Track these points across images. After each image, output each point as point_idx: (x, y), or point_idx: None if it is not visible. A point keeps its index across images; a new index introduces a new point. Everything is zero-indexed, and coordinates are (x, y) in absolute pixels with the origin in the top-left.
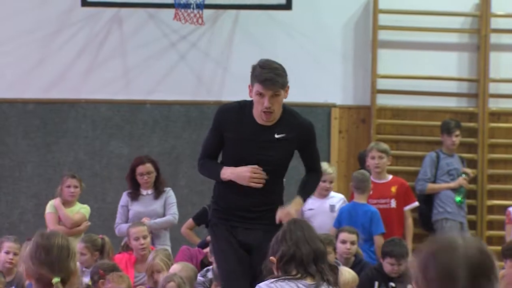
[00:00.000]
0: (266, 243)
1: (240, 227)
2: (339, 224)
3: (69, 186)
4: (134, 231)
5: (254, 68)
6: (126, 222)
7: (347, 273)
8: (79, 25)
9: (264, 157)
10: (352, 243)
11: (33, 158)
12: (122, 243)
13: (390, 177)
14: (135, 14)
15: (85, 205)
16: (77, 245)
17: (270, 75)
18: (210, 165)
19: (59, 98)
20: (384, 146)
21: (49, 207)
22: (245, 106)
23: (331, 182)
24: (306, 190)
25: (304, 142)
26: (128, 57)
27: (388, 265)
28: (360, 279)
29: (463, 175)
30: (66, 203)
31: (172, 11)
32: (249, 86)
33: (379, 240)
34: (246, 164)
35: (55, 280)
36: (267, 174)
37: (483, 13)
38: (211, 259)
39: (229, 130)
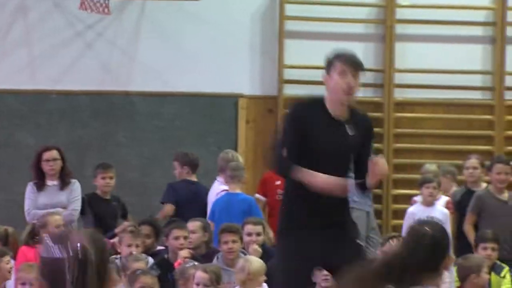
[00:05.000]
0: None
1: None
2: (213, 216)
3: None
4: (50, 218)
5: (331, 56)
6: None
7: (255, 262)
8: None
9: (344, 149)
10: (258, 234)
11: None
12: (24, 236)
13: None
14: (41, 3)
15: None
16: None
17: (354, 57)
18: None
19: None
20: None
21: None
22: (318, 101)
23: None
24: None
25: (367, 138)
26: (34, 46)
27: None
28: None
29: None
30: None
31: (78, 0)
32: (326, 77)
33: None
34: (331, 160)
35: None
36: (345, 173)
37: (388, 3)
38: (120, 249)
39: (312, 127)
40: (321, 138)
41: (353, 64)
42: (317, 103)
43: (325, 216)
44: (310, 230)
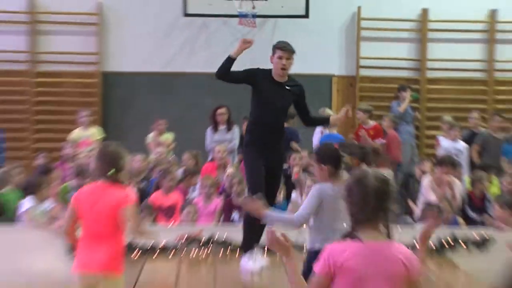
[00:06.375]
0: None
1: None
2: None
3: (161, 124)
4: (218, 147)
5: (274, 45)
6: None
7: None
8: (183, 26)
9: (281, 101)
10: None
11: (156, 112)
12: (209, 159)
13: (372, 123)
14: (216, 22)
15: (170, 133)
16: (184, 155)
17: (288, 45)
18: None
19: (171, 71)
20: (365, 106)
21: (150, 138)
22: (268, 71)
23: None
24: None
25: (301, 96)
26: (210, 51)
27: None
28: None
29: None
30: (159, 134)
31: (237, 19)
32: (270, 57)
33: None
34: (271, 108)
35: (111, 172)
36: (282, 115)
37: None
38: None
39: (260, 83)
40: (267, 92)
41: (287, 52)
42: (267, 72)
43: (267, 141)
44: (258, 146)
